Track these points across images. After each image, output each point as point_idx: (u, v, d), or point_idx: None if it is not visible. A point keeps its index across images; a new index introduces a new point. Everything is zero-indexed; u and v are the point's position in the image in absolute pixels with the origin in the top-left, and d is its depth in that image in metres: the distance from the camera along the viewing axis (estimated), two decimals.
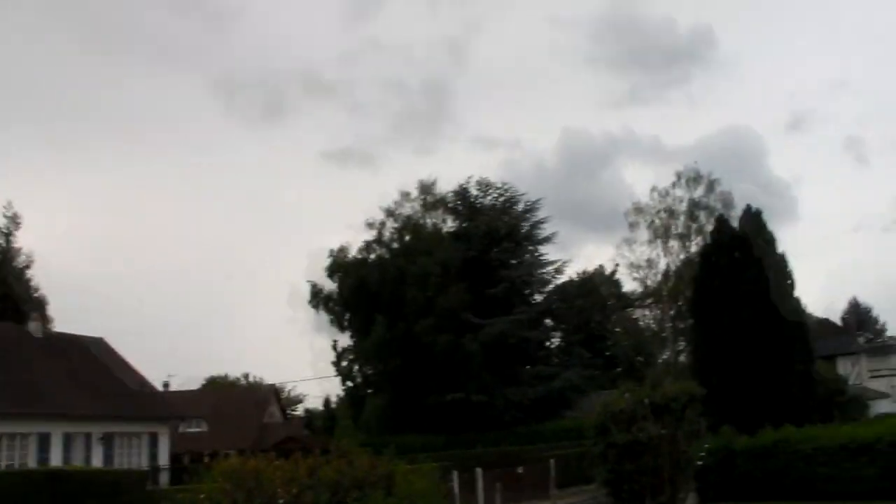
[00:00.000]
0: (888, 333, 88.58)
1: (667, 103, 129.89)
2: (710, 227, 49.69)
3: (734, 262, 35.28)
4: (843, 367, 57.75)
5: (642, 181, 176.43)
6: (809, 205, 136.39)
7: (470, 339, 46.86)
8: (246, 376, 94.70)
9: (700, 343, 35.51)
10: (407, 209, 52.77)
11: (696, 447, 23.74)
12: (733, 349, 33.21)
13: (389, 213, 52.31)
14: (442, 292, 47.25)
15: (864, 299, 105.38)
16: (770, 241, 37.27)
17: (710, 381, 27.89)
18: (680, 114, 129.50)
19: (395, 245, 51.64)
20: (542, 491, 30.61)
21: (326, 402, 65.08)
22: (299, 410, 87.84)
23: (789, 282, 36.91)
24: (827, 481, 27.05)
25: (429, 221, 52.97)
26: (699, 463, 24.24)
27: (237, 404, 65.09)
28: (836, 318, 79.67)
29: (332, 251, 51.41)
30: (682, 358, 53.62)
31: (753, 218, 37.75)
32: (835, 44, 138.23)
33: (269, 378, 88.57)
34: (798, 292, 37.33)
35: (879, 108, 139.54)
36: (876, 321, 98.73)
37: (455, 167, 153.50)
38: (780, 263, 37.11)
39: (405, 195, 52.90)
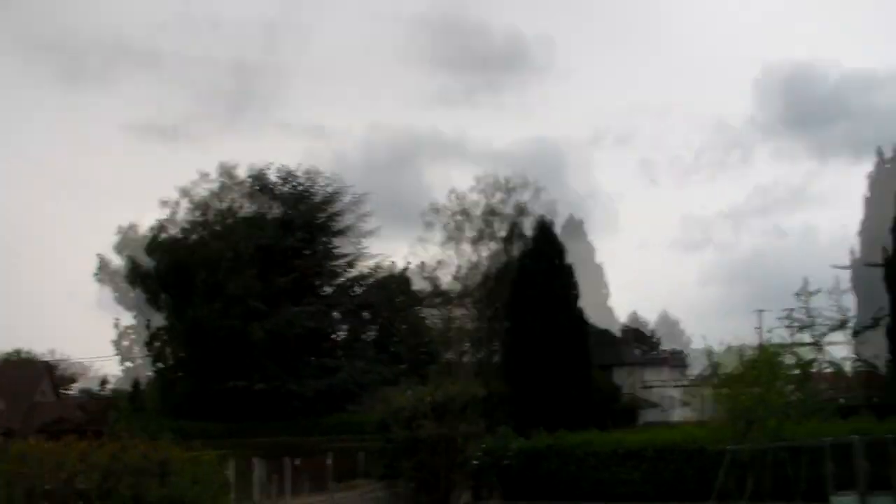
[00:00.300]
0: (662, 347, 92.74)
1: (476, 108, 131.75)
2: (503, 234, 50.93)
3: (525, 269, 36.28)
4: (619, 376, 60.09)
5: (443, 182, 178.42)
6: (604, 219, 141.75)
7: (256, 326, 46.27)
8: (18, 352, 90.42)
9: (496, 346, 36.34)
10: (204, 190, 51.62)
11: (474, 447, 24.24)
12: (520, 351, 34.08)
13: (185, 192, 51.03)
14: (232, 277, 46.47)
15: (644, 314, 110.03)
16: (559, 250, 38.35)
17: (492, 384, 28.61)
18: (489, 119, 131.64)
19: (188, 226, 50.39)
20: (321, 483, 30.60)
21: (102, 381, 63.08)
22: (74, 390, 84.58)
23: (575, 292, 38.06)
24: (596, 484, 28.30)
25: (225, 205, 51.95)
26: (475, 462, 24.78)
27: (5, 381, 62.27)
28: (614, 329, 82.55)
29: (121, 227, 49.71)
30: (465, 359, 54.54)
31: (545, 228, 38.82)
32: (642, 68, 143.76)
33: (43, 354, 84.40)
34: (581, 302, 38.48)
35: (674, 133, 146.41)
36: (652, 335, 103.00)
37: (259, 151, 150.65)
38: (568, 273, 38.22)
39: (204, 175, 51.73)
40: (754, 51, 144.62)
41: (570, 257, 39.18)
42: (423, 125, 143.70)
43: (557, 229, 43.08)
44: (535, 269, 36.40)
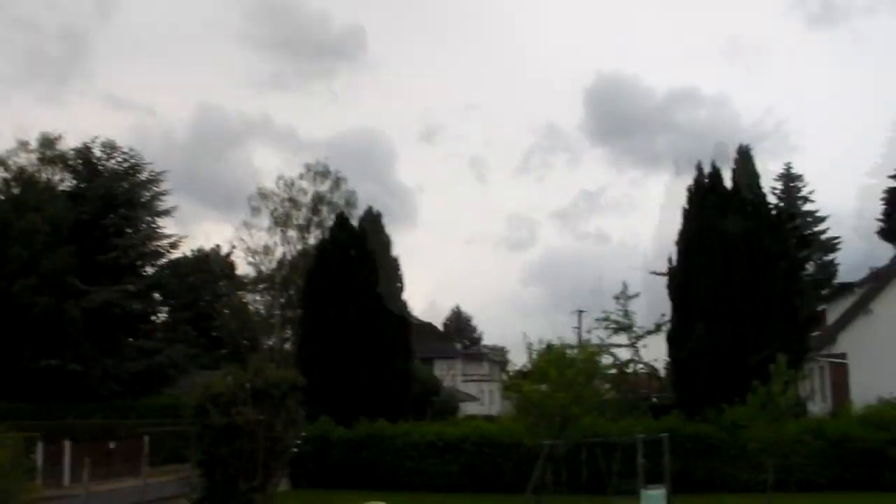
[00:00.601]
0: (483, 342, 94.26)
1: (308, 95, 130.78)
2: (331, 222, 50.73)
3: (349, 258, 36.09)
4: (440, 369, 60.73)
5: (271, 168, 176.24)
6: (429, 214, 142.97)
7: (72, 304, 44.68)
8: None
9: (307, 333, 36.01)
10: (22, 160, 49.51)
11: (293, 435, 24.02)
12: (339, 342, 33.96)
13: (0, 161, 48.88)
14: (48, 252, 44.71)
15: (467, 309, 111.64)
16: (387, 243, 38.29)
17: (314, 372, 28.44)
18: (319, 107, 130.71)
19: (2, 197, 48.25)
20: (134, 468, 29.83)
21: None
22: None
23: (399, 284, 38.08)
24: (414, 474, 28.59)
25: (45, 177, 49.96)
26: (295, 450, 24.56)
27: None
28: (439, 323, 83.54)
29: None
30: (287, 346, 54.19)
31: (373, 219, 38.65)
32: (471, 68, 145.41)
33: None
34: (407, 295, 38.57)
35: (502, 134, 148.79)
36: (474, 330, 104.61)
37: (82, 123, 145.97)
38: (393, 265, 38.23)
39: (23, 144, 49.64)
40: (588, 60, 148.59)
41: (397, 255, 39.22)
42: (253, 108, 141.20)
43: (385, 224, 42.92)
44: (359, 263, 36.30)
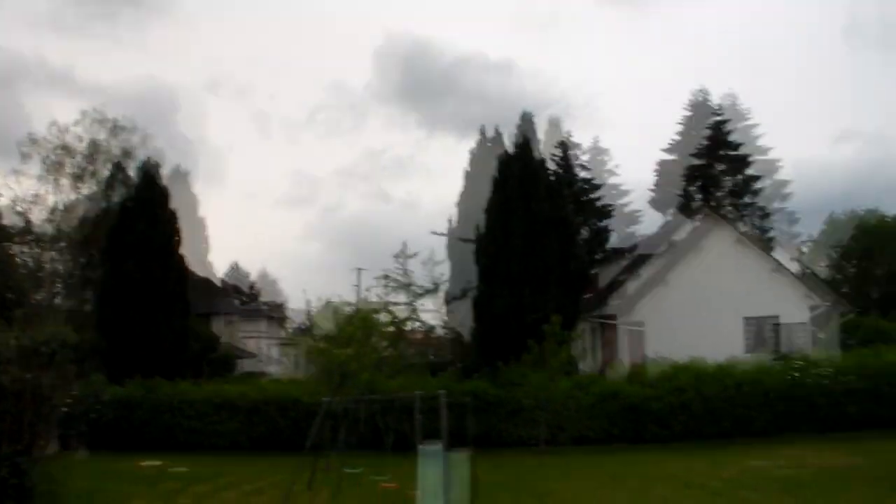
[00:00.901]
0: (262, 299, 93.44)
1: (90, 37, 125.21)
2: (106, 172, 48.83)
3: (126, 210, 35.20)
4: (218, 326, 59.75)
5: (44, 112, 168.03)
6: (210, 167, 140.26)
7: None
8: None
9: (77, 286, 34.94)
10: None
11: (63, 396, 23.19)
12: (117, 298, 33.09)
13: None
14: None
15: (244, 264, 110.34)
16: (163, 196, 37.34)
17: (90, 329, 27.54)
18: (102, 50, 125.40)
19: None
20: None
21: None
22: None
23: (177, 238, 37.22)
24: (191, 433, 28.17)
25: None
26: (64, 410, 23.74)
27: None
28: (215, 278, 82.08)
29: None
30: (58, 301, 52.13)
31: (149, 174, 37.62)
32: (260, 20, 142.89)
33: None
34: (182, 249, 37.68)
35: (291, 90, 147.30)
36: (252, 286, 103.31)
37: None
38: (171, 218, 37.32)
39: None
40: (378, 20, 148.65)
41: (175, 208, 38.21)
42: (26, 47, 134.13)
43: (163, 177, 41.71)
44: (137, 216, 35.37)
